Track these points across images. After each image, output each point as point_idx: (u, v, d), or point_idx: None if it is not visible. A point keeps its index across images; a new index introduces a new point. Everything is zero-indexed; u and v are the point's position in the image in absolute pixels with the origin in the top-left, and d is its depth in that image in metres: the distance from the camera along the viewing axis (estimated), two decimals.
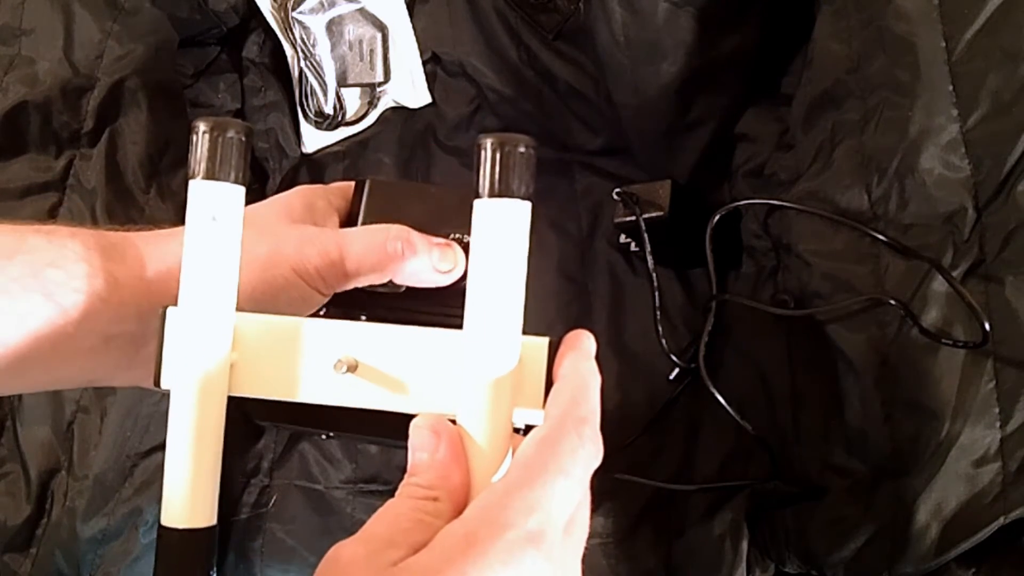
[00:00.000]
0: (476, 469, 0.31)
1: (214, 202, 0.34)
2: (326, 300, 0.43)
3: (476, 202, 0.32)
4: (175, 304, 0.34)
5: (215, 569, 0.34)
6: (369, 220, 0.46)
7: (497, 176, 0.31)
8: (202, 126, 0.34)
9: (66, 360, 0.36)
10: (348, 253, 0.41)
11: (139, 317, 0.37)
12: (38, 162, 0.63)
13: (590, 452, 0.30)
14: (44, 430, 0.59)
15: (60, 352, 0.35)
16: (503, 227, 0.32)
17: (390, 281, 0.43)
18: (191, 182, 0.34)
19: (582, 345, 0.34)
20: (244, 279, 0.37)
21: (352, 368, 0.34)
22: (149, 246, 0.38)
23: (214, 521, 0.34)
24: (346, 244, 0.41)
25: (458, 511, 0.29)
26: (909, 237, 0.50)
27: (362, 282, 0.42)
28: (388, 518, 0.30)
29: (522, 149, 0.32)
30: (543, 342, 0.33)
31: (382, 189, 0.48)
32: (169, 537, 0.33)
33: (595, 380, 0.33)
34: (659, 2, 0.59)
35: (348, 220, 0.49)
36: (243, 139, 0.34)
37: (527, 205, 0.32)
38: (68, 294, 0.35)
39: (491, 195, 0.31)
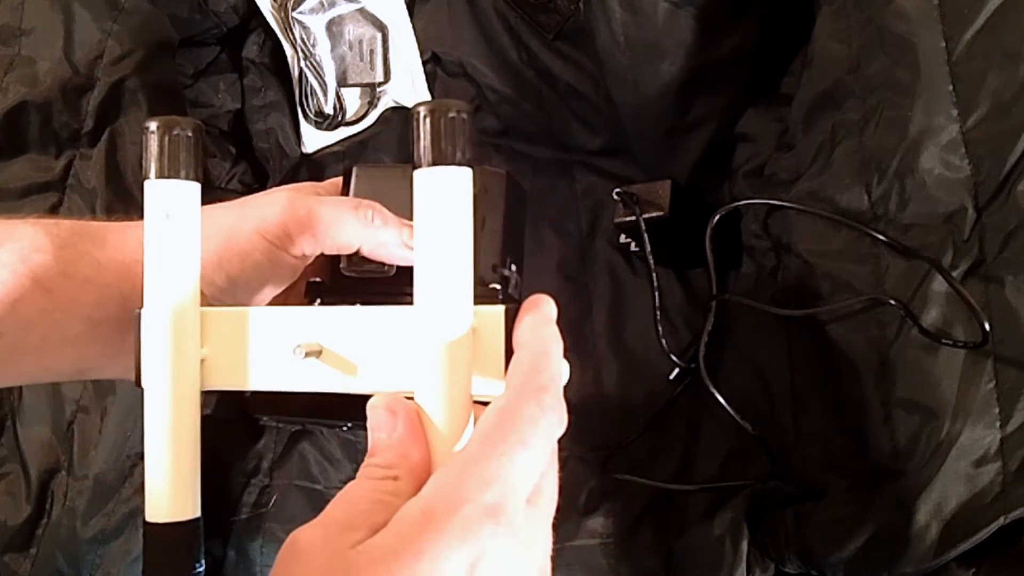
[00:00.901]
0: (435, 444, 0.31)
1: (167, 200, 0.34)
2: (301, 266, 0.42)
3: (415, 172, 0.31)
4: None
5: (201, 562, 0.34)
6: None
7: (431, 143, 0.30)
8: (151, 125, 0.33)
9: (55, 348, 0.36)
10: (317, 214, 0.40)
11: (123, 301, 0.37)
12: (38, 162, 0.63)
13: (552, 420, 0.30)
14: (44, 430, 0.59)
15: (49, 340, 0.35)
16: (444, 195, 0.31)
17: (380, 264, 0.43)
18: (145, 183, 0.34)
19: (541, 310, 0.33)
20: (210, 248, 0.37)
21: (314, 353, 0.34)
22: (127, 232, 0.38)
23: (197, 514, 0.34)
24: (315, 204, 0.40)
25: (418, 489, 0.29)
26: (909, 237, 0.50)
27: (332, 248, 0.41)
28: (346, 500, 0.29)
29: (453, 114, 0.30)
30: (499, 310, 0.32)
31: (369, 174, 0.47)
32: (154, 532, 0.33)
33: (556, 345, 0.32)
34: (659, 2, 0.59)
35: None
36: (191, 136, 0.33)
37: (467, 171, 0.31)
38: (54, 278, 0.35)
39: (429, 164, 0.31)
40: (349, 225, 0.40)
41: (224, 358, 0.35)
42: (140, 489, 0.60)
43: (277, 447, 0.67)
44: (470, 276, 0.31)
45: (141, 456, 0.60)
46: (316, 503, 0.66)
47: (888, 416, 0.50)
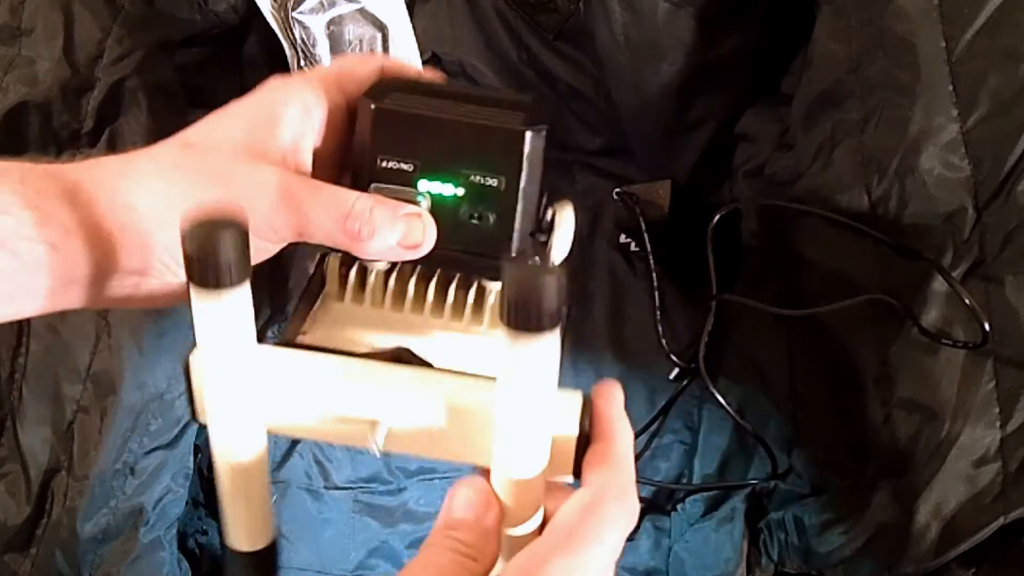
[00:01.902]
0: (506, 531, 0.32)
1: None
2: (278, 250, 0.39)
3: (505, 331, 0.28)
4: (128, 253, 0.34)
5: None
6: (377, 154, 0.38)
7: (520, 310, 0.27)
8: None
9: (26, 297, 0.34)
10: (307, 214, 0.36)
11: (95, 264, 0.35)
12: (38, 162, 0.63)
13: (629, 521, 0.31)
14: (44, 430, 0.59)
15: (19, 294, 0.34)
16: (533, 363, 0.29)
17: None
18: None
19: (615, 399, 0.34)
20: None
21: (383, 433, 0.34)
22: (100, 189, 0.35)
23: (271, 539, 0.35)
24: (307, 203, 0.36)
25: (487, 573, 0.30)
26: (909, 237, 0.50)
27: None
28: (433, 569, 0.30)
29: (547, 280, 0.27)
30: (576, 402, 0.33)
31: (392, 117, 0.38)
32: (235, 558, 0.34)
33: (631, 439, 0.33)
34: (659, 2, 0.59)
35: (351, 145, 0.40)
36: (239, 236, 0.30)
37: (556, 337, 0.28)
38: (20, 241, 0.33)
39: (519, 329, 0.28)
40: (336, 237, 0.37)
41: (286, 401, 0.35)
42: (140, 489, 0.60)
43: (277, 448, 0.67)
44: (548, 426, 0.31)
45: (141, 456, 0.60)
46: (316, 503, 0.66)
47: (888, 416, 0.50)
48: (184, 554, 0.64)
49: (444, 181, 0.37)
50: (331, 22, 0.73)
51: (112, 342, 0.59)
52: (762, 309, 0.59)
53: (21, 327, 0.59)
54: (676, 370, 0.66)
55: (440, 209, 0.37)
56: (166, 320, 0.61)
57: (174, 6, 0.69)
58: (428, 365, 0.36)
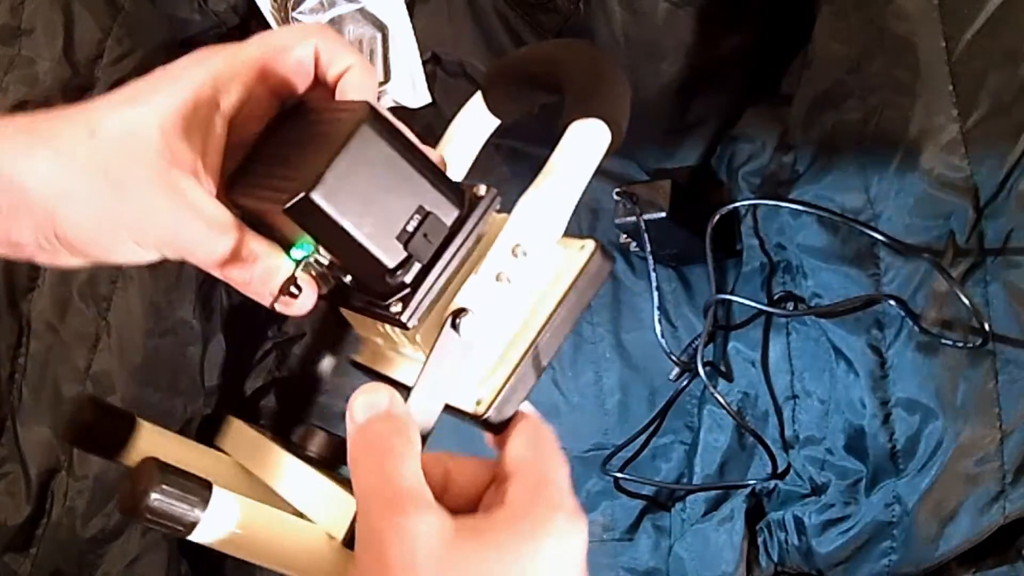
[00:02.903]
0: None
1: None
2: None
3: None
4: (9, 227, 0.33)
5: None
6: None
7: None
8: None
9: None
10: (196, 256, 0.35)
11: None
12: None
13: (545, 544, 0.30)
14: (44, 430, 0.59)
15: None
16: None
17: None
18: None
19: (527, 437, 0.32)
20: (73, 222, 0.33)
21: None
22: (16, 163, 0.33)
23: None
24: (199, 247, 0.34)
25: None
26: (909, 237, 0.50)
27: None
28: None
29: None
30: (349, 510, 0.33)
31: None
32: None
33: (538, 477, 0.31)
34: (659, 2, 0.59)
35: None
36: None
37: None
38: None
39: None
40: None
41: None
42: None
43: None
44: None
45: None
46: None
47: (888, 416, 0.50)
48: (184, 554, 0.64)
49: (300, 247, 0.35)
50: (331, 22, 0.73)
51: (112, 342, 0.59)
52: (762, 309, 0.59)
53: (21, 327, 0.59)
54: (676, 370, 0.66)
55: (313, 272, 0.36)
56: (167, 320, 0.61)
57: (174, 6, 0.69)
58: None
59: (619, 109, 0.35)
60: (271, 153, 0.36)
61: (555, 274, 0.35)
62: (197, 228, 0.34)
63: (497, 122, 0.41)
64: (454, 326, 0.32)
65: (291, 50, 0.35)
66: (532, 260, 0.33)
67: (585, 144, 0.33)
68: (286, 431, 0.54)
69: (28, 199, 0.33)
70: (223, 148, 0.35)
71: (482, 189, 0.35)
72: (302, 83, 0.36)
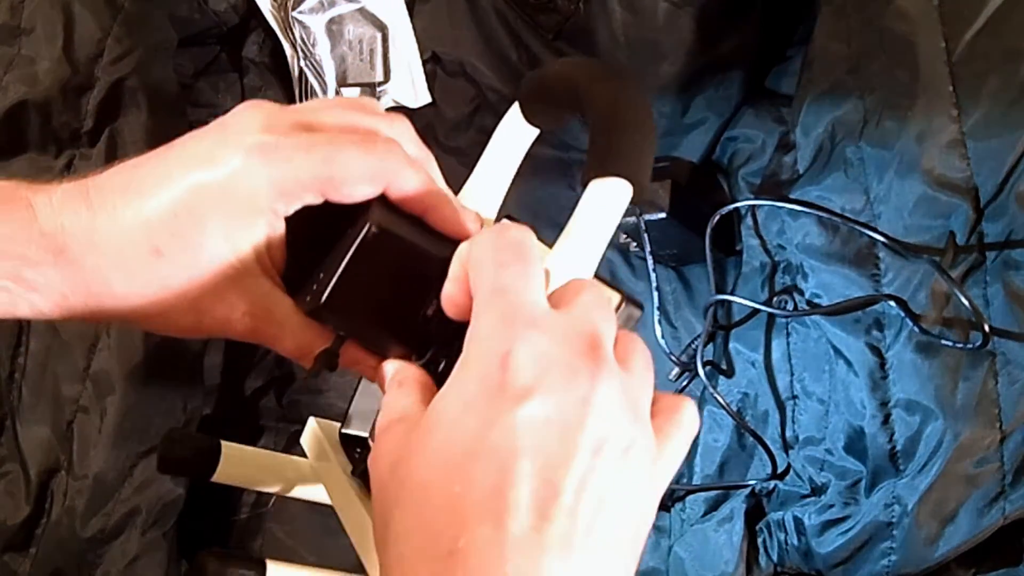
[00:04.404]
0: None
1: None
2: None
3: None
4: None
5: None
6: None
7: None
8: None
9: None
10: (275, 343, 0.35)
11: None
12: (38, 161, 0.63)
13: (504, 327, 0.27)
14: (44, 430, 0.59)
15: None
16: None
17: None
18: None
19: (476, 245, 0.30)
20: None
21: None
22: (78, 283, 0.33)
23: None
24: (278, 338, 0.35)
25: None
26: (909, 237, 0.50)
27: None
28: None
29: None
30: None
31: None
32: None
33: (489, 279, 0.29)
34: (659, 2, 0.59)
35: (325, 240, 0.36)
36: None
37: None
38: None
39: None
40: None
41: None
42: (140, 489, 0.60)
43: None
44: None
45: (141, 456, 0.60)
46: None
47: (888, 416, 0.50)
48: (184, 554, 0.64)
49: None
50: (331, 22, 0.73)
51: (112, 342, 0.59)
52: (762, 309, 0.59)
53: (21, 327, 0.59)
54: (676, 370, 0.66)
55: None
56: None
57: (174, 6, 0.69)
58: None
59: (641, 164, 0.34)
60: (304, 246, 0.36)
61: None
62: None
63: (536, 131, 0.41)
64: None
65: (357, 186, 0.33)
66: None
67: (606, 204, 0.33)
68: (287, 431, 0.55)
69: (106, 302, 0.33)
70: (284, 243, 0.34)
71: None
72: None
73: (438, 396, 0.28)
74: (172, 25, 0.70)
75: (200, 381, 0.65)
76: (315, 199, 0.33)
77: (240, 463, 0.49)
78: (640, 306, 0.36)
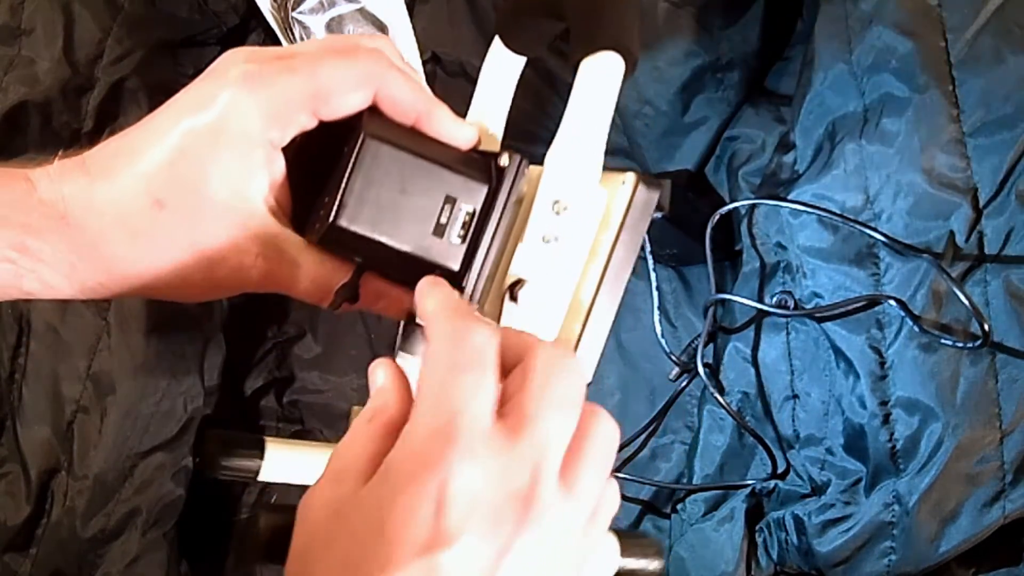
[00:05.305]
0: None
1: None
2: None
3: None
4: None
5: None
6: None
7: None
8: None
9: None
10: (293, 290, 0.35)
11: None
12: (38, 162, 0.63)
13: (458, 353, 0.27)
14: (44, 430, 0.59)
15: None
16: None
17: None
18: None
19: (431, 295, 0.30)
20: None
21: None
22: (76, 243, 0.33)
23: None
24: (294, 283, 0.35)
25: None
26: (909, 237, 0.50)
27: None
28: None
29: None
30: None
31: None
32: None
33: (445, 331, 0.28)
34: (659, 2, 0.59)
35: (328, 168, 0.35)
36: None
37: None
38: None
39: None
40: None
41: None
42: (140, 489, 0.60)
43: None
44: None
45: (141, 456, 0.60)
46: None
47: (888, 416, 0.50)
48: (184, 554, 0.64)
49: None
50: (331, 22, 0.73)
51: (112, 342, 0.59)
52: (762, 309, 0.59)
53: (21, 327, 0.59)
54: (676, 370, 0.66)
55: None
56: (167, 320, 0.61)
57: (174, 6, 0.69)
58: None
59: (627, 32, 0.33)
60: (306, 182, 0.36)
61: (603, 216, 0.34)
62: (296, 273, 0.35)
63: (523, 60, 0.39)
64: (513, 299, 0.32)
65: (345, 95, 0.33)
66: (575, 212, 0.33)
67: (599, 81, 0.32)
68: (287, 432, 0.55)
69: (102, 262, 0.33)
70: (286, 179, 0.34)
71: (504, 159, 0.34)
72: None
73: (368, 487, 0.27)
74: (172, 25, 0.70)
75: (200, 381, 0.65)
76: (307, 119, 0.33)
77: (285, 456, 0.46)
78: (658, 185, 0.35)
